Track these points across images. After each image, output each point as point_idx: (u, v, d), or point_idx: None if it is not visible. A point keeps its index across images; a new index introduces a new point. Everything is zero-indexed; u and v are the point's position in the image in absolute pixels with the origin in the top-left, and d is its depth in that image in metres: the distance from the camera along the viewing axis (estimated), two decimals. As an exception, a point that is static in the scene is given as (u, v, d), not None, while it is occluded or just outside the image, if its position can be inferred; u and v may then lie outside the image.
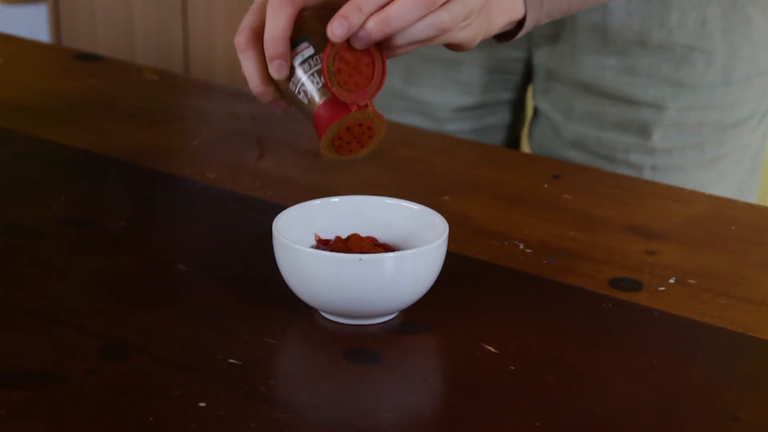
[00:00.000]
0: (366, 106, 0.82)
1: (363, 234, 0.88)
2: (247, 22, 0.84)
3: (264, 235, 0.87)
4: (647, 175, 1.18)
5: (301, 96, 0.83)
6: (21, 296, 0.87)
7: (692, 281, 0.91)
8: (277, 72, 0.83)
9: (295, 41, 0.83)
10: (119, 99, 1.28)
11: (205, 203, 1.04)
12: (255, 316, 0.85)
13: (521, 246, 0.96)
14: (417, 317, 0.85)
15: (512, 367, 0.79)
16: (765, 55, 1.18)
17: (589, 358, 0.81)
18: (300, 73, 0.83)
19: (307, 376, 0.79)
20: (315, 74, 0.82)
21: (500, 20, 0.92)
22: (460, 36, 0.85)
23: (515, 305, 0.87)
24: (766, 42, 1.17)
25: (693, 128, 1.18)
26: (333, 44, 0.80)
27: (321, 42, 0.82)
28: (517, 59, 1.23)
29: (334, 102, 0.82)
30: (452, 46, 0.87)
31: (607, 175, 1.13)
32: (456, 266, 0.90)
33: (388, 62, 0.83)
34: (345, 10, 0.79)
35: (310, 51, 0.82)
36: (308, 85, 0.82)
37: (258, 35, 0.83)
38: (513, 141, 1.31)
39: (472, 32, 0.86)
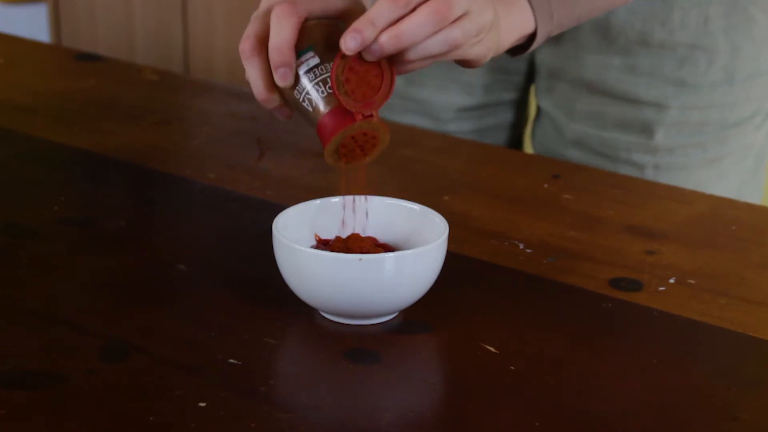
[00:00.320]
0: (371, 116, 0.82)
1: (363, 234, 0.88)
2: (251, 29, 0.84)
3: (264, 235, 0.87)
4: (649, 174, 1.18)
5: (306, 104, 0.83)
6: (21, 296, 0.87)
7: (692, 281, 0.91)
8: (282, 80, 0.83)
9: (299, 50, 0.83)
10: (119, 99, 1.28)
11: (205, 203, 1.04)
12: (255, 316, 0.85)
13: (521, 246, 0.96)
14: (417, 317, 0.85)
15: (512, 367, 0.79)
16: (766, 54, 1.18)
17: (589, 358, 0.81)
18: (305, 81, 0.83)
19: (307, 376, 0.79)
20: (320, 83, 0.82)
21: (511, 36, 0.92)
22: (471, 52, 0.86)
23: (515, 305, 0.87)
24: (766, 39, 1.17)
25: (695, 127, 1.18)
26: (344, 54, 0.80)
27: (326, 51, 0.83)
28: (519, 59, 1.23)
29: (339, 111, 0.82)
30: (463, 63, 0.87)
31: (607, 175, 1.13)
32: (456, 266, 0.90)
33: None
34: (359, 24, 0.80)
35: (316, 60, 0.83)
36: (313, 93, 0.83)
37: (262, 43, 0.84)
38: (515, 141, 1.31)
39: (484, 48, 0.87)
